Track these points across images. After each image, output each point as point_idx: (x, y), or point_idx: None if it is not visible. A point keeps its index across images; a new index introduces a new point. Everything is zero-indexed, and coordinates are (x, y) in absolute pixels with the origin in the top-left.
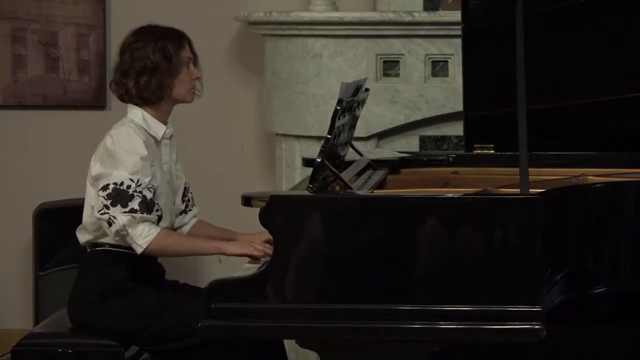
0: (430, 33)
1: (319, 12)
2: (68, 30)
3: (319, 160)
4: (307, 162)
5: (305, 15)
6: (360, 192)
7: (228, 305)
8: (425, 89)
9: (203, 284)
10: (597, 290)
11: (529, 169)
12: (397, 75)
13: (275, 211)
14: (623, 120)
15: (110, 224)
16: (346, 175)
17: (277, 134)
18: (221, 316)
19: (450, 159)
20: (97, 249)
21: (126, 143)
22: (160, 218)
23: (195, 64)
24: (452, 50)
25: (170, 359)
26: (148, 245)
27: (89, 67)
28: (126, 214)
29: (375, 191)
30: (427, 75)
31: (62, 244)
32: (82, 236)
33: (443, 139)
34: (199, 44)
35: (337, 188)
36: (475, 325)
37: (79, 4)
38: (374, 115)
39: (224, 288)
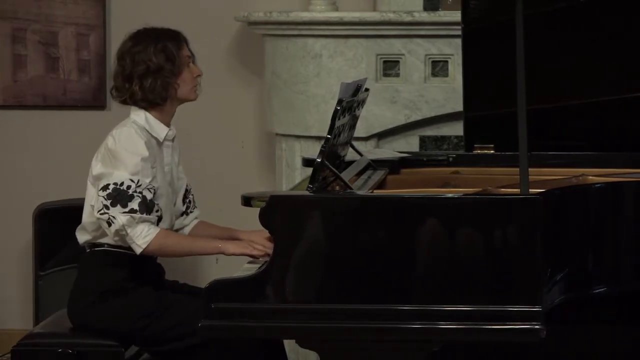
0: (430, 33)
1: (319, 12)
2: (68, 30)
3: (319, 160)
4: (307, 162)
5: (305, 15)
6: (360, 192)
7: (228, 305)
8: (425, 89)
9: (203, 284)
10: (597, 290)
11: (529, 169)
12: (397, 75)
13: (275, 211)
14: (623, 120)
15: (109, 223)
16: (346, 175)
17: (277, 134)
18: (221, 316)
19: (450, 159)
20: (96, 249)
21: (128, 143)
22: (160, 219)
23: (194, 62)
24: (452, 50)
25: (170, 359)
26: (147, 246)
27: (89, 67)
28: (125, 214)
29: (375, 191)
30: (427, 75)
31: (62, 244)
32: (82, 236)
33: (443, 139)
34: (199, 44)
35: (337, 188)
36: (475, 325)
37: (79, 4)
38: (374, 115)
39: (224, 288)
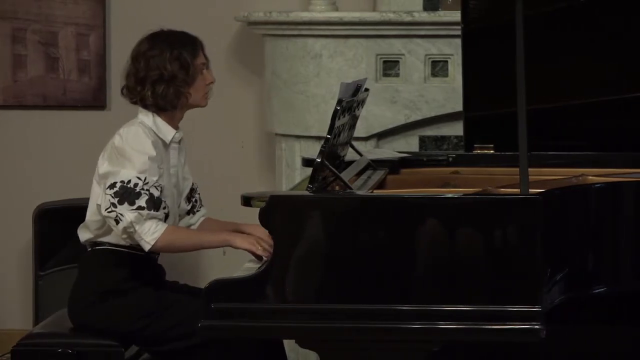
0: (430, 33)
1: (319, 12)
2: (68, 30)
3: (318, 160)
4: (307, 162)
5: (305, 15)
6: (360, 192)
7: (228, 306)
8: (425, 89)
9: (203, 284)
10: (597, 290)
11: (529, 169)
12: (397, 75)
13: (275, 211)
14: (623, 120)
15: (117, 221)
16: (346, 175)
17: (277, 134)
18: (221, 316)
19: (450, 159)
20: (97, 248)
21: (135, 142)
22: (167, 216)
23: (208, 67)
24: (452, 50)
25: (170, 359)
26: (156, 242)
27: (88, 67)
28: (133, 211)
29: (375, 191)
30: (427, 75)
31: (62, 244)
32: (83, 234)
33: (443, 139)
34: None
35: (337, 188)
36: (475, 325)
37: (79, 4)
38: (374, 115)
39: (224, 288)
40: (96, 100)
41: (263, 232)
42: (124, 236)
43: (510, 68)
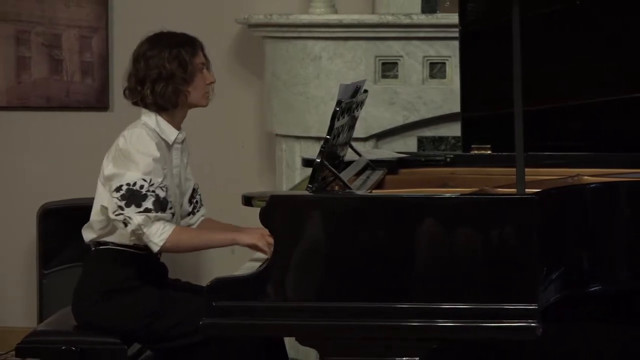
0: (428, 35)
1: (319, 15)
2: (71, 32)
3: (318, 160)
4: (307, 163)
5: (305, 18)
6: (359, 192)
7: (229, 304)
8: (423, 90)
9: (204, 282)
10: (592, 289)
11: (525, 169)
12: (396, 77)
13: (276, 211)
14: (618, 121)
15: (125, 224)
16: (345, 175)
17: (277, 135)
18: (222, 314)
19: (448, 160)
20: (101, 247)
21: (139, 144)
22: (173, 215)
23: (208, 68)
24: (450, 52)
25: (172, 357)
26: (164, 243)
27: (91, 69)
28: (141, 213)
29: (373, 191)
30: (425, 77)
31: (65, 243)
32: (88, 234)
33: (441, 139)
34: None
35: (337, 188)
36: (473, 323)
37: (82, 7)
38: (373, 116)
39: (225, 286)
40: (99, 102)
41: (265, 232)
42: (133, 238)
43: (506, 70)
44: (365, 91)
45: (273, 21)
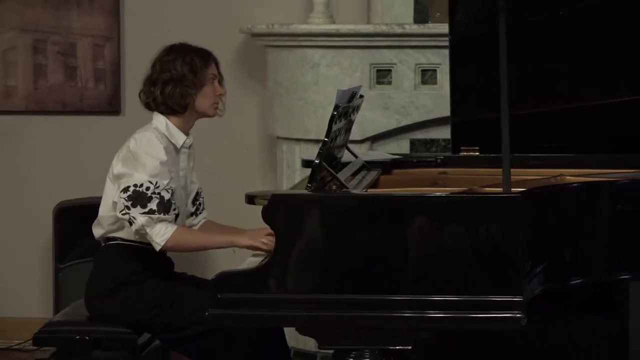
0: (420, 44)
1: (317, 25)
2: (85, 41)
3: (317, 161)
4: (306, 164)
5: (305, 28)
6: (356, 191)
7: (233, 296)
8: (415, 95)
9: (210, 275)
10: (573, 282)
11: (511, 170)
12: (390, 83)
13: (277, 209)
14: (601, 124)
15: (131, 223)
16: (342, 175)
17: (278, 138)
18: (227, 306)
19: (439, 161)
20: (110, 243)
21: (148, 147)
22: (177, 216)
23: (220, 83)
24: (441, 59)
25: (179, 345)
26: (165, 243)
27: (104, 76)
28: (145, 214)
29: (369, 190)
30: (417, 83)
31: (79, 239)
32: (97, 230)
33: (432, 142)
34: None
35: (334, 187)
36: (461, 314)
37: (95, 17)
38: (368, 120)
39: (230, 279)
40: (111, 106)
41: (263, 233)
42: (137, 236)
43: (494, 76)
44: (361, 96)
45: (274, 31)
